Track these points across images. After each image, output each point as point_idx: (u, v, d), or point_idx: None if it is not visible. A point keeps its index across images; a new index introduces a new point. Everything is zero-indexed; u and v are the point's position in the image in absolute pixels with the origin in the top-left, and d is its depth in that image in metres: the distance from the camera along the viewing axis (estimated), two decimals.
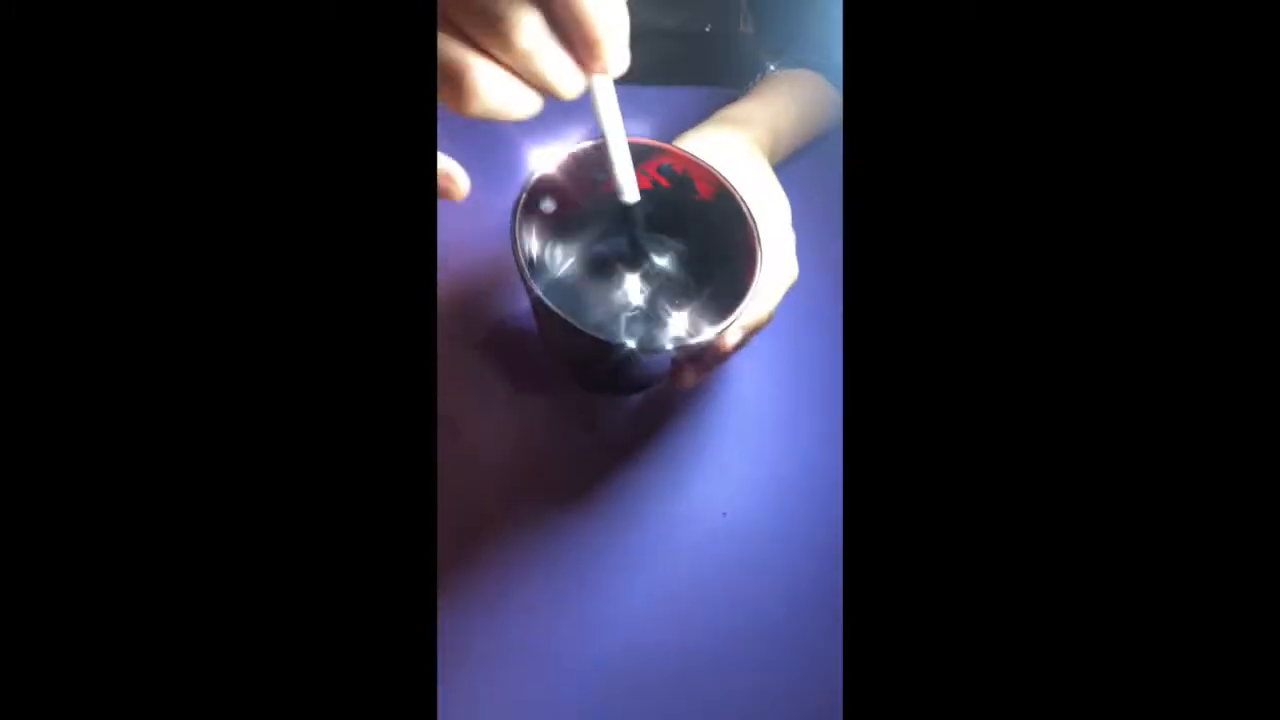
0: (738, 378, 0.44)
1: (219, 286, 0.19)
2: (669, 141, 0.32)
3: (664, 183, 0.29)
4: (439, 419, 0.39)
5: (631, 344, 0.27)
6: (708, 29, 0.56)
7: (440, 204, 0.24)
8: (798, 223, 0.40)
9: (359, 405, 0.19)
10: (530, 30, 0.20)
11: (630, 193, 0.26)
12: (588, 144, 0.25)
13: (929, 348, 0.19)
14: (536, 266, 0.29)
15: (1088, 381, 0.19)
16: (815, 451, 0.42)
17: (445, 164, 0.24)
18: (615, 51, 0.21)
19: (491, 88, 0.21)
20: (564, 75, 0.21)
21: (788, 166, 0.46)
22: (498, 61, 0.21)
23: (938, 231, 0.19)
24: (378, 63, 0.19)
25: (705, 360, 0.32)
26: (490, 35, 0.20)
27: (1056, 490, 0.19)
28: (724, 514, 0.41)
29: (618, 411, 0.42)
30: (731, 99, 0.44)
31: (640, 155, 0.28)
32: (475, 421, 0.40)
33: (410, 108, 0.20)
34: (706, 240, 0.31)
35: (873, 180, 0.20)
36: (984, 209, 0.19)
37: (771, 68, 0.45)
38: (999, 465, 0.19)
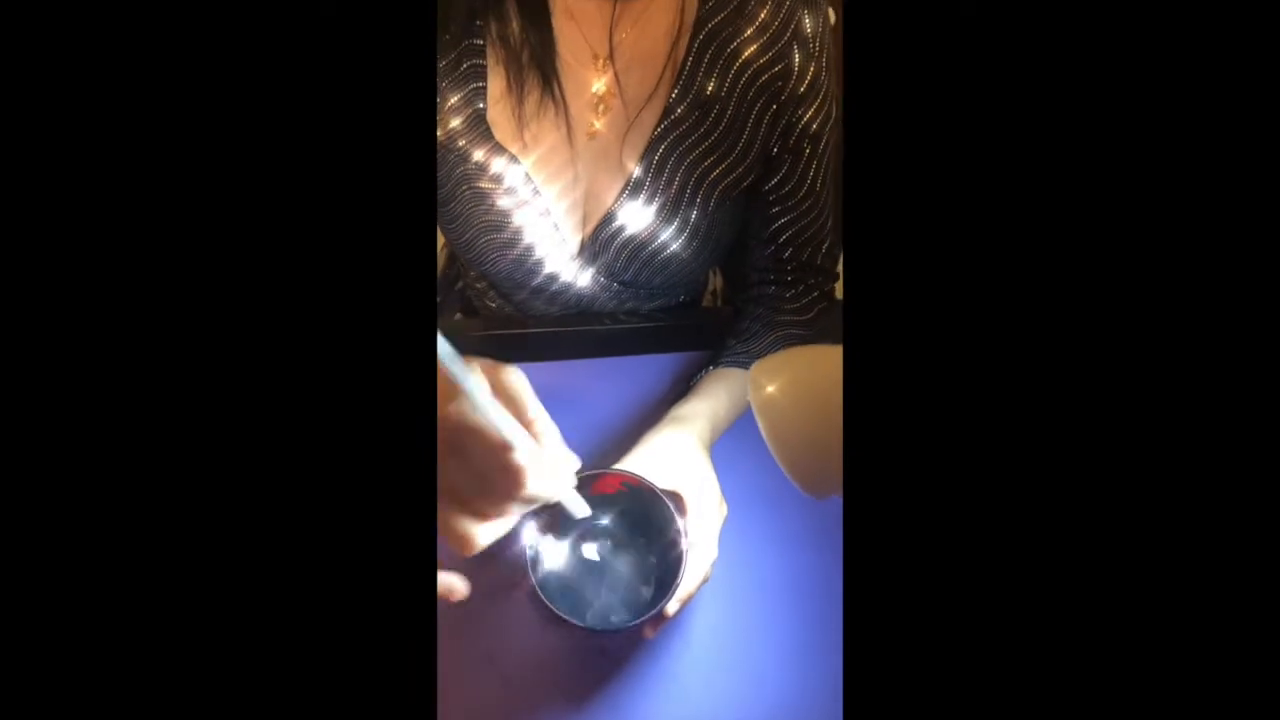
0: (739, 600, 0.50)
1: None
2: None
3: (624, 490, 0.45)
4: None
5: (593, 625, 0.44)
6: (681, 299, 0.74)
7: None
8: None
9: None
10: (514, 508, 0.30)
11: (582, 512, 0.36)
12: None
13: (926, 573, 0.20)
14: (539, 560, 0.43)
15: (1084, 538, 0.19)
16: (816, 679, 0.46)
17: (444, 580, 0.32)
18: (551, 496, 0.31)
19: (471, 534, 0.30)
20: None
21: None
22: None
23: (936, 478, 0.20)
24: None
25: (659, 619, 0.44)
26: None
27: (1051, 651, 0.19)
28: None
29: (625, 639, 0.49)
30: (699, 364, 0.60)
31: (605, 475, 0.45)
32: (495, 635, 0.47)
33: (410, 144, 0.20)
34: (658, 529, 0.46)
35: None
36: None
37: (711, 368, 0.58)
38: (1000, 685, 0.19)
